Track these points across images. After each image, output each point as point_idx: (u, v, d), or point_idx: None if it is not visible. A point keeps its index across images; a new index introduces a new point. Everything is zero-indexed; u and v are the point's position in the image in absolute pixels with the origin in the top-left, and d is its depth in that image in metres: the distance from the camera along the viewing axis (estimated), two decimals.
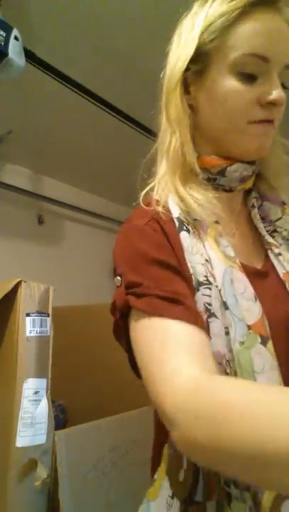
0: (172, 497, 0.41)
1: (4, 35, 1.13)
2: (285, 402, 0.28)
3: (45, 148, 2.26)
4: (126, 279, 0.46)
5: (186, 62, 0.50)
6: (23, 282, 1.01)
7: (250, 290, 0.44)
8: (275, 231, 0.52)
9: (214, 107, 0.49)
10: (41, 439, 0.94)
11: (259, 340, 0.41)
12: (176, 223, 0.47)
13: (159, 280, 0.43)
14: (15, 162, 2.40)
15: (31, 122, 1.99)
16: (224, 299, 0.42)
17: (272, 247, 0.50)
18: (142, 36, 1.51)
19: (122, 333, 0.47)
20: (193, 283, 0.43)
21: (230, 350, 0.40)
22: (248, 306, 0.43)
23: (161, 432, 0.43)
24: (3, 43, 1.12)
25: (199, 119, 0.51)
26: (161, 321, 0.41)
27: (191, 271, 0.44)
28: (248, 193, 0.56)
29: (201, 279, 0.43)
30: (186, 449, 0.35)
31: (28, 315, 1.00)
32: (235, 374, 0.40)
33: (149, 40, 1.53)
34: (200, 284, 0.43)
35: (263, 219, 0.54)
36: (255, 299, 0.44)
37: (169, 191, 0.50)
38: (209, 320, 0.42)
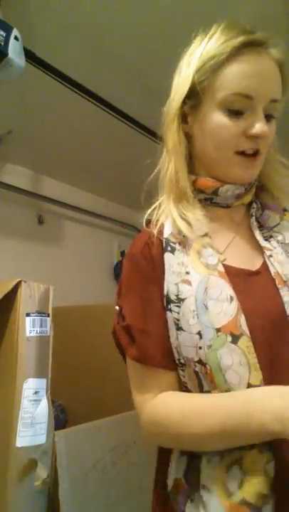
0: (181, 452, 0.53)
1: (4, 35, 1.13)
2: (203, 407, 0.48)
3: (45, 148, 2.26)
4: (119, 307, 0.57)
5: (182, 99, 0.57)
6: (23, 282, 1.01)
7: (226, 292, 0.50)
8: (271, 236, 0.58)
9: (206, 138, 0.56)
10: (41, 439, 0.94)
11: (229, 339, 0.47)
12: (164, 245, 0.56)
13: (139, 316, 0.54)
14: (15, 162, 2.40)
15: (31, 122, 1.98)
16: (194, 310, 0.50)
17: (266, 250, 0.56)
18: (142, 36, 1.51)
19: (121, 349, 0.59)
20: (164, 303, 0.53)
21: (205, 354, 0.48)
22: (220, 309, 0.49)
23: None
24: (3, 43, 1.12)
25: (195, 147, 0.59)
26: (128, 357, 0.56)
27: (165, 291, 0.53)
28: (250, 204, 0.62)
29: (172, 297, 0.52)
30: (152, 441, 0.58)
31: (28, 315, 1.00)
32: (207, 372, 0.48)
33: (149, 40, 1.54)
34: (170, 302, 0.52)
35: (262, 226, 0.60)
36: (231, 299, 0.50)
37: (166, 212, 0.58)
38: (178, 333, 0.51)
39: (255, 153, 0.55)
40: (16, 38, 1.16)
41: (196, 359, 0.49)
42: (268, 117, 0.54)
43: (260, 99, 0.52)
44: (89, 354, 1.55)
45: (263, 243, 0.57)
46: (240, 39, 0.52)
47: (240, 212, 0.62)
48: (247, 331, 0.48)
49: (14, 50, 1.15)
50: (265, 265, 0.55)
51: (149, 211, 0.61)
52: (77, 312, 1.71)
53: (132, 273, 0.57)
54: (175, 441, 0.52)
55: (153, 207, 0.61)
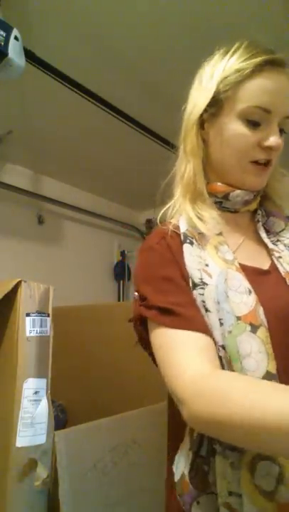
0: (190, 449, 0.52)
1: (4, 35, 1.13)
2: (256, 390, 0.41)
3: (45, 148, 2.26)
4: (139, 293, 0.57)
5: (204, 107, 0.60)
6: (23, 282, 1.01)
7: (245, 285, 0.53)
8: (278, 240, 0.63)
9: (223, 145, 0.59)
10: (41, 439, 0.94)
11: (249, 328, 0.49)
12: (182, 237, 0.58)
13: (164, 293, 0.54)
14: (15, 162, 2.40)
15: (31, 122, 1.99)
16: (216, 296, 0.52)
17: (274, 252, 0.60)
18: (141, 36, 1.51)
19: (144, 340, 0.57)
20: (190, 284, 0.54)
21: (224, 339, 0.50)
22: (240, 300, 0.52)
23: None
24: (3, 43, 1.12)
25: (210, 152, 0.62)
26: (166, 330, 0.52)
27: (189, 275, 0.54)
28: (255, 211, 0.66)
29: (196, 281, 0.54)
30: (190, 421, 0.46)
31: (28, 315, 1.00)
32: (226, 358, 0.49)
33: (149, 41, 1.54)
34: (195, 285, 0.54)
35: (269, 231, 0.64)
36: (250, 292, 0.53)
37: (181, 211, 0.62)
38: (206, 313, 0.52)
39: (267, 163, 0.59)
40: (16, 38, 1.16)
41: (220, 343, 0.50)
42: (281, 131, 0.59)
43: (277, 114, 0.56)
44: (89, 354, 1.55)
45: (272, 246, 0.61)
46: (263, 57, 0.56)
47: (245, 218, 0.66)
48: (265, 322, 0.51)
49: (14, 50, 1.15)
50: (274, 266, 0.59)
51: (163, 211, 0.65)
52: (77, 312, 1.72)
53: (149, 260, 0.59)
54: (235, 415, 0.40)
55: (167, 206, 0.64)
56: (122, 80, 1.75)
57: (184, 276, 0.55)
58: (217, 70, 0.60)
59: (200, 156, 0.62)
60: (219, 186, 0.62)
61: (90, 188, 2.84)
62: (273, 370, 0.47)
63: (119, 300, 3.03)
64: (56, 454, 0.95)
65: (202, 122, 0.62)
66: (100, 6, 1.36)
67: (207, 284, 0.53)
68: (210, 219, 0.59)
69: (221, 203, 0.63)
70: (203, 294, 0.52)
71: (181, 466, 0.51)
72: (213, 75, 0.60)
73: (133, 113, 1.89)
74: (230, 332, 0.49)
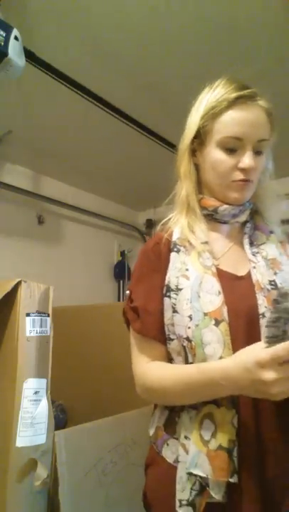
0: (165, 408, 0.69)
1: (4, 35, 1.13)
2: (176, 376, 0.63)
3: (45, 148, 2.27)
4: (130, 292, 0.71)
5: (191, 139, 0.72)
6: (23, 282, 1.01)
7: (216, 288, 0.64)
8: (258, 252, 0.72)
9: (209, 169, 0.71)
10: (41, 439, 0.94)
11: (213, 322, 0.61)
12: (171, 245, 0.71)
13: (142, 296, 0.69)
14: (15, 162, 2.40)
15: (31, 122, 1.99)
16: (190, 297, 0.64)
17: (252, 262, 0.71)
18: (141, 37, 1.51)
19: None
20: (165, 291, 0.67)
21: (192, 331, 0.62)
22: (209, 299, 0.63)
23: None
24: (3, 43, 1.12)
25: (202, 174, 0.74)
26: (135, 332, 0.70)
27: (166, 281, 0.68)
28: (245, 223, 0.76)
29: (172, 287, 0.67)
30: (143, 396, 0.68)
31: (28, 315, 1.00)
32: (191, 347, 0.62)
33: (148, 41, 1.54)
34: (170, 290, 0.67)
35: (252, 243, 0.74)
36: (219, 293, 0.64)
37: (177, 222, 0.73)
38: (173, 314, 0.65)
39: (247, 181, 0.69)
40: (16, 38, 1.16)
41: (184, 336, 0.63)
42: (258, 153, 0.69)
43: (249, 140, 0.67)
44: (89, 354, 1.55)
45: (251, 257, 0.71)
46: (234, 94, 0.67)
47: (235, 229, 0.76)
48: (227, 319, 0.62)
49: (14, 50, 1.15)
50: (249, 274, 0.69)
51: (164, 221, 0.76)
52: (77, 312, 1.72)
53: (143, 265, 0.72)
54: (160, 396, 0.66)
55: (168, 217, 0.76)
56: (122, 80, 1.75)
57: (164, 282, 0.68)
58: (201, 106, 0.71)
59: (192, 179, 0.73)
60: (210, 201, 0.73)
61: (90, 188, 2.84)
62: (227, 356, 0.59)
63: (119, 300, 3.03)
64: (56, 454, 0.95)
65: (194, 150, 0.73)
66: (100, 7, 1.36)
67: (181, 289, 0.65)
68: (199, 231, 0.71)
69: (213, 215, 0.73)
70: (176, 299, 0.65)
71: (156, 421, 0.69)
72: (198, 109, 0.72)
73: (133, 113, 1.89)
74: (197, 325, 0.62)
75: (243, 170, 0.68)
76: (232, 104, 0.67)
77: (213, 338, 0.60)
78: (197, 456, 0.58)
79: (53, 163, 2.47)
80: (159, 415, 0.68)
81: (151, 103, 1.93)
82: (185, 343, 0.63)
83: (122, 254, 3.10)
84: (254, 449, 0.60)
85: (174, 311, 0.65)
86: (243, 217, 0.74)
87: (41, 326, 1.03)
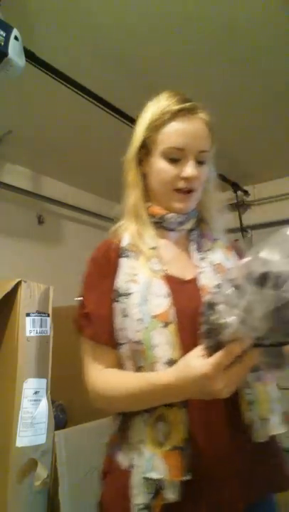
0: (118, 413, 0.69)
1: (4, 35, 1.13)
2: (126, 383, 0.64)
3: (45, 148, 2.26)
4: (82, 299, 0.71)
5: (137, 149, 0.74)
6: (23, 282, 1.01)
7: (164, 291, 0.66)
8: (204, 258, 0.76)
9: (154, 178, 0.74)
10: (41, 439, 0.94)
11: (161, 324, 0.63)
12: (121, 251, 0.72)
13: (93, 302, 0.70)
14: (15, 162, 2.40)
15: (31, 122, 1.99)
16: (139, 301, 0.65)
17: (198, 268, 0.73)
18: (141, 36, 1.51)
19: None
20: (114, 295, 0.68)
21: (142, 334, 0.63)
22: (157, 302, 0.65)
23: None
24: (3, 43, 1.12)
25: (148, 183, 0.76)
26: (87, 339, 0.70)
27: (116, 286, 0.69)
28: (191, 231, 0.79)
29: (122, 292, 0.68)
30: (95, 403, 0.70)
31: (28, 315, 1.00)
32: (141, 350, 0.63)
33: (148, 41, 1.54)
34: (120, 295, 0.67)
35: (199, 249, 0.77)
36: (167, 296, 0.66)
37: (127, 229, 0.75)
38: (123, 319, 0.66)
39: (190, 191, 0.72)
40: (16, 38, 1.16)
41: (134, 340, 0.64)
42: (200, 163, 0.72)
43: (190, 151, 0.70)
44: None
45: (197, 262, 0.75)
46: (177, 107, 0.70)
47: (183, 236, 0.78)
48: (175, 320, 0.64)
49: (14, 50, 1.15)
50: (195, 278, 0.72)
51: (114, 228, 0.77)
52: None
53: (93, 271, 0.74)
54: (111, 404, 0.68)
55: (118, 224, 0.77)
56: (122, 80, 1.75)
57: (113, 287, 0.69)
58: (146, 118, 0.74)
59: (139, 187, 0.75)
60: (157, 209, 0.75)
61: (90, 188, 2.84)
62: (176, 357, 0.61)
63: None
64: (56, 454, 0.95)
65: (141, 159, 0.75)
66: (101, 6, 1.36)
67: (131, 294, 0.67)
68: (147, 237, 0.73)
69: (160, 223, 0.76)
70: (125, 303, 0.66)
71: (111, 431, 0.70)
72: (143, 121, 0.74)
73: (133, 113, 1.89)
74: (146, 328, 0.63)
75: (185, 179, 0.71)
76: (174, 115, 0.70)
77: (162, 339, 0.62)
78: (152, 459, 0.60)
79: (53, 163, 2.46)
80: (114, 421, 0.69)
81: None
82: (136, 347, 0.64)
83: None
84: (206, 446, 0.61)
85: (124, 315, 0.66)
86: (189, 225, 0.78)
87: (41, 326, 1.03)
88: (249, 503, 0.61)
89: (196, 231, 0.79)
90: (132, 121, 1.92)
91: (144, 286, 0.66)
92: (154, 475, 0.58)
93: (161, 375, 0.60)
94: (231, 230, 3.08)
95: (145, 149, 0.74)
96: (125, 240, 0.73)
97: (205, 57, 1.63)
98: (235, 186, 3.01)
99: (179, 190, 0.72)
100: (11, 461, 0.89)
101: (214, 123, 0.73)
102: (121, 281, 0.68)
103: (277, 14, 1.41)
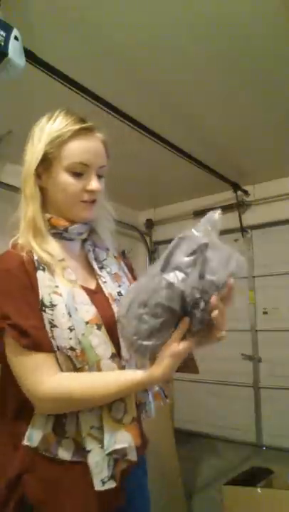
0: (48, 416, 0.72)
1: (4, 35, 1.13)
2: (91, 383, 0.69)
3: None
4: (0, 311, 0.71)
5: (36, 164, 0.78)
6: None
7: (87, 299, 0.74)
8: (102, 267, 0.84)
9: (58, 192, 0.78)
10: None
11: (95, 327, 0.71)
12: (36, 264, 0.74)
13: (24, 316, 0.69)
14: (15, 162, 2.38)
15: (31, 122, 1.98)
16: (68, 311, 0.71)
17: (101, 277, 0.82)
18: (141, 36, 1.51)
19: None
20: (40, 306, 0.71)
21: (77, 341, 0.69)
22: (86, 309, 0.73)
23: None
24: (3, 43, 1.12)
25: (49, 196, 0.80)
26: (24, 350, 0.69)
27: (40, 298, 0.71)
28: (84, 241, 0.85)
29: (47, 303, 0.71)
30: (50, 411, 0.71)
31: None
32: (78, 354, 0.69)
33: (149, 40, 1.54)
34: (45, 307, 0.71)
35: (96, 259, 0.85)
36: (91, 303, 0.74)
37: (27, 244, 0.76)
38: (52, 329, 0.70)
39: (93, 201, 0.80)
40: (16, 38, 1.16)
41: (67, 347, 0.69)
42: (100, 177, 0.80)
43: (93, 166, 0.78)
44: None
45: (98, 272, 0.82)
46: (78, 126, 0.77)
47: (78, 246, 0.84)
48: (104, 323, 0.73)
49: (14, 50, 1.15)
50: (99, 287, 0.80)
51: (13, 240, 0.79)
52: None
53: (11, 284, 0.73)
54: (75, 405, 0.70)
55: (15, 238, 0.79)
56: (122, 79, 1.75)
57: (38, 300, 0.71)
58: (43, 135, 0.79)
59: (38, 200, 0.79)
60: (61, 221, 0.79)
61: None
62: (114, 350, 0.72)
63: None
64: None
65: (39, 173, 0.79)
66: (101, 6, 1.36)
67: (56, 305, 0.71)
68: (52, 250, 0.76)
69: (61, 234, 0.80)
70: (52, 314, 0.70)
71: (39, 432, 0.70)
72: (41, 138, 0.79)
73: (132, 112, 1.89)
74: (83, 334, 0.70)
75: (90, 192, 0.78)
76: (76, 134, 0.77)
77: (100, 340, 0.71)
78: (114, 435, 0.69)
79: None
80: (44, 423, 0.70)
81: (152, 102, 1.93)
82: (69, 353, 0.69)
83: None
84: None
85: (53, 325, 0.70)
86: (85, 235, 0.84)
87: None
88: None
89: (89, 241, 0.86)
90: (131, 120, 1.92)
91: (68, 298, 0.72)
92: (120, 445, 0.68)
93: (137, 373, 0.69)
94: (231, 230, 3.09)
95: (45, 164, 0.78)
96: (35, 254, 0.76)
97: (205, 56, 1.63)
98: (235, 186, 3.01)
99: (84, 201, 0.78)
100: None
101: (108, 141, 0.83)
102: (44, 294, 0.72)
103: (277, 13, 1.41)
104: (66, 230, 0.80)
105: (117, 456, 0.69)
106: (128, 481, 0.74)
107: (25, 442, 0.70)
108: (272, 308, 3.08)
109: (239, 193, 3.10)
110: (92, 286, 0.80)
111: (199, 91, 1.85)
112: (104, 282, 0.81)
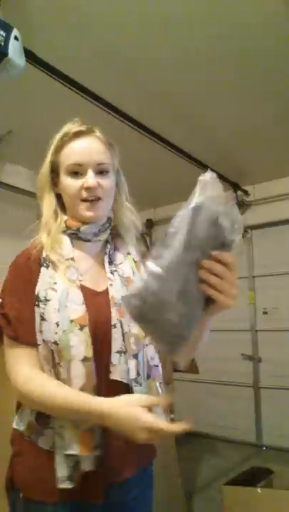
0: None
1: (4, 35, 1.13)
2: (49, 388, 0.72)
3: (45, 149, 2.26)
4: (3, 300, 0.78)
5: (48, 174, 0.85)
6: None
7: (80, 299, 0.76)
8: (116, 271, 0.84)
9: (65, 195, 0.83)
10: None
11: (78, 327, 0.73)
12: (41, 261, 0.79)
13: (15, 308, 0.75)
14: (15, 162, 2.40)
15: (31, 122, 1.99)
16: (58, 307, 0.74)
17: (110, 280, 0.83)
18: (142, 36, 1.51)
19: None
20: (34, 300, 0.75)
21: (59, 337, 0.72)
22: (75, 308, 0.75)
23: None
24: (3, 43, 1.13)
25: (64, 200, 0.85)
26: (9, 339, 0.76)
27: (36, 292, 0.76)
28: (106, 242, 0.87)
29: (41, 298, 0.75)
30: (21, 399, 0.78)
31: None
32: (59, 350, 0.72)
33: (149, 40, 1.54)
34: (39, 301, 0.75)
35: (112, 262, 0.86)
36: (82, 303, 0.75)
37: (42, 242, 0.83)
38: (42, 322, 0.74)
39: (97, 199, 0.80)
40: (16, 38, 1.16)
41: (52, 341, 0.72)
42: (102, 174, 0.81)
43: (88, 164, 0.80)
44: None
45: (109, 275, 0.83)
46: (74, 130, 0.82)
47: (97, 247, 0.86)
48: (88, 324, 0.74)
49: (14, 50, 1.15)
50: (107, 290, 0.81)
51: (35, 238, 0.84)
52: None
53: (15, 277, 0.80)
54: (36, 408, 0.75)
55: (36, 237, 0.85)
56: (122, 80, 1.75)
57: (34, 293, 0.76)
58: (51, 146, 0.85)
59: (53, 205, 0.85)
60: (73, 221, 0.83)
61: None
62: (89, 354, 0.72)
63: None
64: None
65: (56, 182, 0.85)
66: (101, 6, 1.36)
67: (49, 300, 0.75)
68: (63, 249, 0.81)
69: (77, 234, 0.83)
70: (44, 308, 0.74)
71: (27, 417, 0.77)
72: (49, 150, 0.85)
73: (132, 112, 1.89)
74: (64, 331, 0.72)
75: (87, 188, 0.79)
76: (72, 138, 0.81)
77: (78, 340, 0.72)
78: (71, 440, 0.71)
79: None
80: (30, 412, 0.77)
81: (152, 102, 1.93)
82: (53, 347, 0.73)
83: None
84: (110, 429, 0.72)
85: (42, 319, 0.74)
86: (104, 236, 0.85)
87: None
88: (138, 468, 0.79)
89: (110, 244, 0.88)
90: (131, 120, 1.92)
91: (62, 294, 0.75)
92: (72, 451, 0.70)
93: (101, 404, 0.69)
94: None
95: (54, 173, 0.84)
96: (44, 251, 0.81)
97: (204, 56, 1.63)
98: (235, 186, 3.01)
99: (85, 200, 0.80)
100: None
101: (111, 141, 0.84)
102: (41, 289, 0.76)
103: (277, 13, 1.41)
104: (79, 230, 0.82)
105: (77, 459, 0.71)
106: (127, 492, 0.77)
107: (14, 425, 0.77)
108: (272, 308, 3.08)
109: (239, 193, 3.10)
110: (101, 288, 0.82)
111: (199, 91, 1.85)
112: (111, 285, 0.82)
